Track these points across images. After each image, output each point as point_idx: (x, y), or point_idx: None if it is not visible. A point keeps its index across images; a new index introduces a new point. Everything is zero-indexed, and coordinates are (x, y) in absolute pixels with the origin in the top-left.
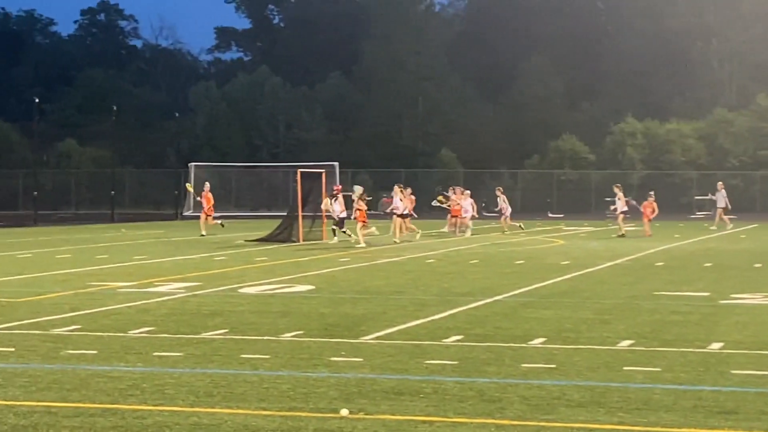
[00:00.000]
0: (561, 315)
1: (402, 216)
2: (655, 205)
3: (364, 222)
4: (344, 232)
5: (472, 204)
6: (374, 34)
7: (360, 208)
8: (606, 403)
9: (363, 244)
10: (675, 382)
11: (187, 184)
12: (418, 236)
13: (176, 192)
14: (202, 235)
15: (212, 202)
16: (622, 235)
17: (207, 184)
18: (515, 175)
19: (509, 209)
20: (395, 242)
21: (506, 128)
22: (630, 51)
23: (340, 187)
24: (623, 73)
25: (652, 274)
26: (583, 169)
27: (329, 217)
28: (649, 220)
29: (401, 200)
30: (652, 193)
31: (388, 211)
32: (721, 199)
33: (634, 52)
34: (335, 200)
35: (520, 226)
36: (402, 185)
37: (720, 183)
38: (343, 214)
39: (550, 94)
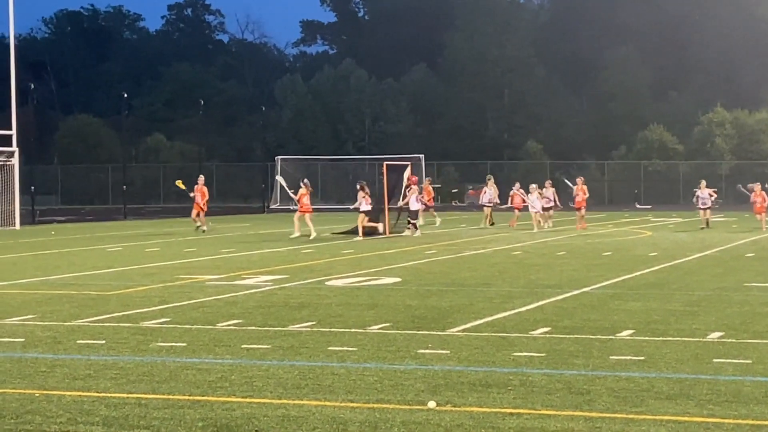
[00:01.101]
0: (649, 307)
1: (365, 213)
2: (764, 194)
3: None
4: (408, 222)
5: (538, 198)
6: (458, 26)
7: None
8: (695, 395)
9: (297, 234)
10: (766, 374)
11: (178, 181)
12: (380, 228)
13: (263, 185)
14: (204, 231)
15: (207, 197)
16: (703, 228)
17: (201, 177)
18: (602, 167)
19: (496, 201)
20: (358, 238)
21: (593, 119)
22: (718, 40)
23: (415, 178)
24: (711, 62)
25: (742, 265)
26: (671, 160)
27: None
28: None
29: (363, 197)
30: (758, 183)
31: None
32: None
33: (722, 40)
34: (409, 191)
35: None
36: (365, 182)
37: None
38: (417, 206)
39: (637, 84)
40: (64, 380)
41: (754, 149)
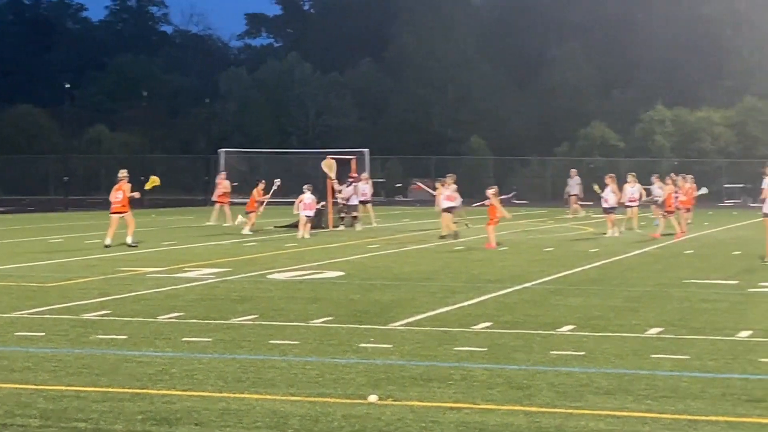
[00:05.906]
0: (590, 302)
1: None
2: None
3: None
4: (343, 217)
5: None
6: (404, 20)
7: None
8: (634, 390)
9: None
10: (703, 369)
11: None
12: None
13: (206, 177)
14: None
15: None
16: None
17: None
18: (544, 163)
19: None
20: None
21: (536, 115)
22: (661, 38)
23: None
24: (654, 60)
25: (682, 262)
26: (612, 157)
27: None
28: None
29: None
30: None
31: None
32: None
33: (665, 39)
34: (348, 186)
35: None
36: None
37: None
38: (355, 200)
39: (580, 81)
40: (2, 372)
41: (694, 147)
